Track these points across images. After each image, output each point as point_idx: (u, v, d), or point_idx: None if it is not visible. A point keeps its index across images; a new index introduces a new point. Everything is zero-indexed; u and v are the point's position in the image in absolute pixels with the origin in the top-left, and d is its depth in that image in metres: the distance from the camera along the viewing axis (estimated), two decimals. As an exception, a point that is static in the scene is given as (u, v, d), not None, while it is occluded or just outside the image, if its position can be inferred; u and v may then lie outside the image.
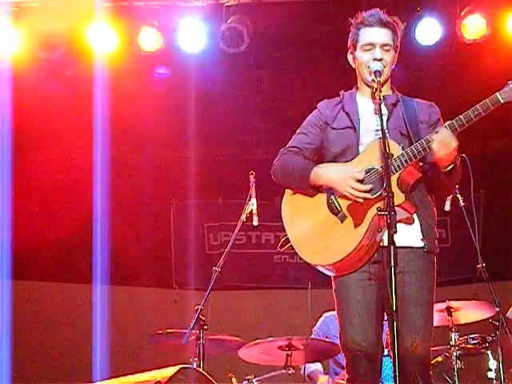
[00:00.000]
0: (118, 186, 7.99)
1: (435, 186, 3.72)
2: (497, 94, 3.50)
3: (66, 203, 8.07)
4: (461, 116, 3.52)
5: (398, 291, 3.29)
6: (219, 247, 8.30)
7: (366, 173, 3.62)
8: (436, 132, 3.52)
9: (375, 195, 3.56)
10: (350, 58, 3.90)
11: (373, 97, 3.69)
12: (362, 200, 3.56)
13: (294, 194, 3.80)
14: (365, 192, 3.55)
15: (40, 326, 8.09)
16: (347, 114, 3.80)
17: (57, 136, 7.88)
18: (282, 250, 3.78)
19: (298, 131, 3.92)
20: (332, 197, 3.67)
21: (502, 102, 3.50)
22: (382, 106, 3.62)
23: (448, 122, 3.53)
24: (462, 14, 6.47)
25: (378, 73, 3.67)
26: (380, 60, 3.72)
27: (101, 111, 7.64)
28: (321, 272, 3.73)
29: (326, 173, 3.65)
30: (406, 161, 3.55)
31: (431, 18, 6.51)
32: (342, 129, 3.78)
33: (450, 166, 3.56)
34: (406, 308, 3.52)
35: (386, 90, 3.80)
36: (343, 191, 3.59)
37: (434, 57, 6.81)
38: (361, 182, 3.58)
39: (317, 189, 3.71)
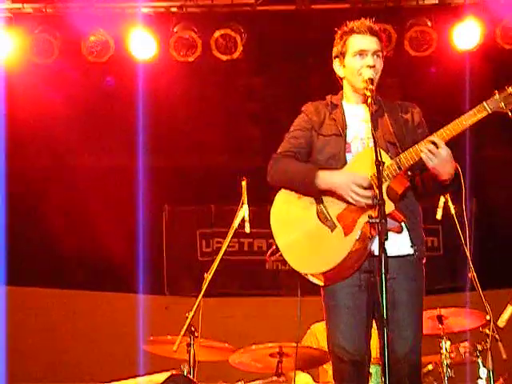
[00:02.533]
0: (111, 192, 7.98)
1: (427, 195, 3.71)
2: (484, 103, 3.51)
3: (58, 208, 8.04)
4: (449, 125, 3.52)
5: (388, 297, 3.30)
6: (212, 254, 8.28)
7: None
8: (425, 140, 3.52)
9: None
10: (336, 65, 3.89)
11: (365, 104, 3.68)
12: (363, 205, 3.54)
13: (283, 203, 3.78)
14: (366, 198, 3.53)
15: (36, 332, 8.05)
16: (334, 120, 3.80)
17: (51, 141, 7.86)
18: (270, 259, 3.78)
19: (287, 136, 3.90)
20: (321, 206, 3.67)
21: (490, 111, 3.50)
22: (368, 114, 3.62)
23: (436, 132, 3.54)
24: (455, 23, 6.52)
25: (370, 80, 3.68)
26: (373, 67, 3.73)
27: (94, 115, 7.66)
28: (310, 281, 3.73)
29: (330, 177, 3.62)
30: (395, 170, 3.55)
31: (425, 26, 6.54)
32: (329, 136, 3.78)
33: (448, 181, 3.56)
34: (396, 314, 3.52)
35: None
36: (346, 196, 3.57)
37: (428, 65, 6.84)
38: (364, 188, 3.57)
39: (320, 194, 3.68)
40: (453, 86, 6.90)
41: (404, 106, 3.87)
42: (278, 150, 3.88)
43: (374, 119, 3.67)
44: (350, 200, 3.57)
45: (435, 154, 3.46)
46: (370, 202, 3.52)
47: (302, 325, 4.39)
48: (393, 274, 3.48)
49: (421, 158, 3.51)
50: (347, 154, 3.72)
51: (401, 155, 3.56)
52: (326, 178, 3.63)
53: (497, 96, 3.50)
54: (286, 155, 3.83)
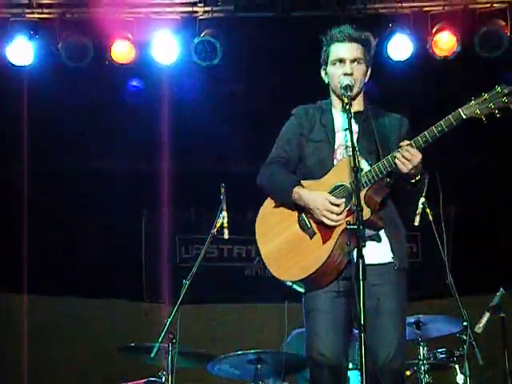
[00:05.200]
0: (89, 196, 7.94)
1: (401, 198, 3.73)
2: (459, 110, 3.55)
3: (38, 212, 7.98)
4: (425, 132, 3.55)
5: (372, 303, 3.35)
6: (191, 260, 8.26)
7: (335, 190, 3.65)
8: (400, 148, 3.55)
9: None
10: (322, 73, 3.93)
11: (344, 110, 3.71)
12: (337, 224, 3.59)
13: (267, 212, 3.81)
14: (338, 219, 3.58)
15: (16, 338, 7.98)
16: (324, 126, 3.82)
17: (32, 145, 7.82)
18: (256, 263, 3.80)
19: (278, 141, 3.92)
20: (303, 214, 3.70)
21: (465, 117, 3.54)
22: (353, 121, 3.66)
23: (413, 139, 3.57)
24: (433, 30, 6.58)
25: (348, 87, 3.70)
26: (350, 74, 3.75)
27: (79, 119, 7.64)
28: (292, 289, 3.74)
29: (306, 198, 3.66)
30: (373, 177, 3.58)
31: (403, 34, 6.60)
32: (318, 141, 3.80)
33: (418, 177, 3.59)
34: (381, 320, 3.55)
35: (358, 106, 3.84)
36: (319, 217, 3.62)
37: (406, 72, 6.88)
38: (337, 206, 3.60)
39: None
40: (431, 92, 6.97)
41: (393, 117, 3.89)
42: (270, 156, 3.91)
43: (360, 127, 3.73)
44: (325, 221, 3.61)
45: (410, 160, 3.50)
46: (341, 220, 3.57)
47: (283, 331, 4.40)
48: (376, 281, 3.52)
49: (396, 167, 3.55)
50: (334, 161, 3.74)
51: (379, 163, 3.59)
52: (301, 197, 3.68)
53: (472, 102, 3.55)
54: (276, 161, 3.86)
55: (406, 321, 3.75)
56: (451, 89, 6.66)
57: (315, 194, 3.65)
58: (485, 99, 3.53)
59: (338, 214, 3.58)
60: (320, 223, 3.63)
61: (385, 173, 3.57)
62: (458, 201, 7.76)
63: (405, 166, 3.51)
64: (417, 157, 3.51)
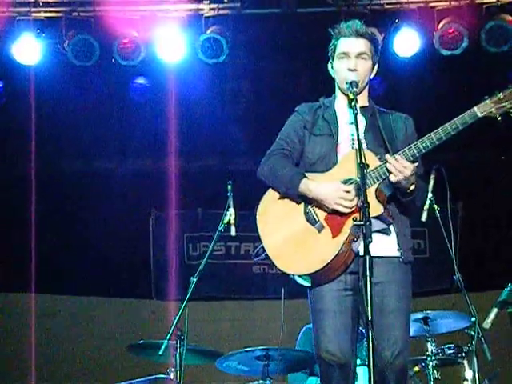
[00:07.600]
0: (98, 196, 7.96)
1: (402, 209, 3.72)
2: (475, 108, 3.53)
3: (47, 213, 8.00)
4: (439, 130, 3.52)
5: (376, 301, 3.31)
6: (199, 257, 8.28)
7: (344, 184, 3.62)
8: (396, 155, 3.53)
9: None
10: (329, 67, 3.92)
11: (350, 106, 3.71)
12: (351, 211, 3.57)
13: (270, 203, 3.78)
14: (353, 205, 3.56)
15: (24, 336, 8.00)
16: (326, 121, 3.81)
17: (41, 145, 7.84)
18: (256, 259, 3.77)
19: (281, 134, 3.90)
20: (309, 207, 3.68)
21: (480, 116, 3.52)
22: (361, 116, 3.65)
23: (432, 133, 3.54)
24: (440, 26, 6.56)
25: (354, 83, 3.68)
26: (354, 70, 3.74)
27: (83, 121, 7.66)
28: (296, 283, 3.73)
29: (316, 188, 3.63)
30: (384, 173, 3.57)
31: (409, 29, 6.58)
32: (321, 136, 3.78)
33: (412, 187, 3.57)
34: (385, 318, 3.54)
35: (363, 101, 3.82)
36: (332, 206, 3.59)
37: (412, 68, 6.87)
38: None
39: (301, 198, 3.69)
40: (438, 88, 6.95)
41: (397, 115, 3.88)
42: (271, 148, 3.88)
43: (368, 121, 3.73)
44: (339, 210, 3.58)
45: (402, 171, 3.49)
46: (353, 208, 3.55)
47: (290, 327, 4.39)
48: (381, 278, 3.51)
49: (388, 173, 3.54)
50: (337, 155, 3.72)
51: (382, 165, 3.57)
52: (311, 189, 3.64)
53: (488, 101, 3.53)
54: (279, 153, 3.83)
55: (410, 319, 3.73)
56: (458, 84, 6.65)
57: (326, 184, 3.61)
58: (499, 98, 3.51)
59: (350, 201, 3.56)
60: (329, 217, 3.61)
61: (387, 175, 3.57)
62: (467, 197, 7.75)
63: (396, 176, 3.49)
64: (408, 168, 3.48)
